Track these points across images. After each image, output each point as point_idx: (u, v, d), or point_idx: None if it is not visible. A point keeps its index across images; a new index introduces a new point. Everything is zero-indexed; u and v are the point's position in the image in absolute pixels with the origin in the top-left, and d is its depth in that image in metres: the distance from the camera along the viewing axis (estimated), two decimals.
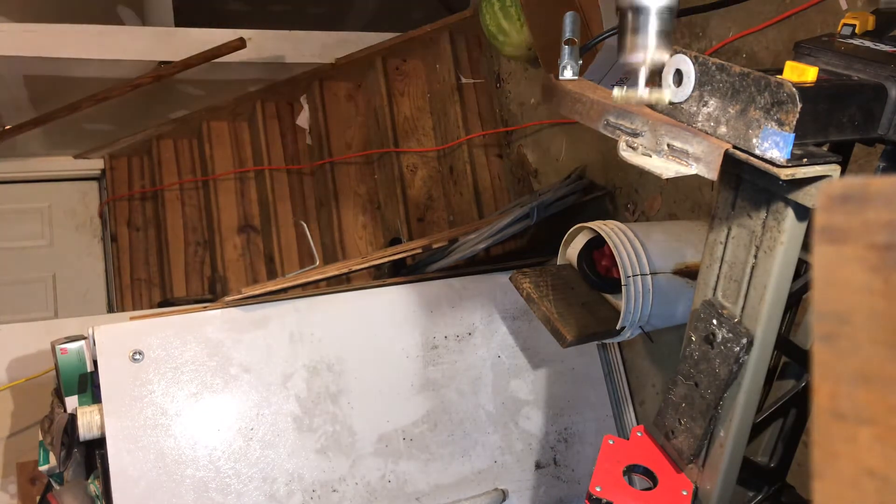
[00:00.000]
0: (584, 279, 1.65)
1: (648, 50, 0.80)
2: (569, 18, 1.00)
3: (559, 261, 1.70)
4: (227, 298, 1.78)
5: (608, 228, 1.55)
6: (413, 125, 2.80)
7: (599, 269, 1.64)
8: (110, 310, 3.91)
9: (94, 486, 1.66)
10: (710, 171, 0.85)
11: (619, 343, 2.04)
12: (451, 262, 2.05)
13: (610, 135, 0.92)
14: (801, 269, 1.14)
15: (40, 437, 1.71)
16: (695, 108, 0.87)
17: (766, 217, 0.92)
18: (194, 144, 3.69)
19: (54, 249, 4.00)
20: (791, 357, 1.21)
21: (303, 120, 3.19)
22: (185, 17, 3.25)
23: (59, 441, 1.59)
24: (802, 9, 1.50)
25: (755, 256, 0.94)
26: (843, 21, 0.97)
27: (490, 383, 1.91)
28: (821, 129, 0.84)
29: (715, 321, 1.00)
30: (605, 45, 0.86)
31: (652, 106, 0.89)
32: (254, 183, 3.40)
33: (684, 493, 1.09)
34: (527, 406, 1.93)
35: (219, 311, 1.74)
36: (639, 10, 0.78)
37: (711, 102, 0.86)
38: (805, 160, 0.81)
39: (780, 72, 0.82)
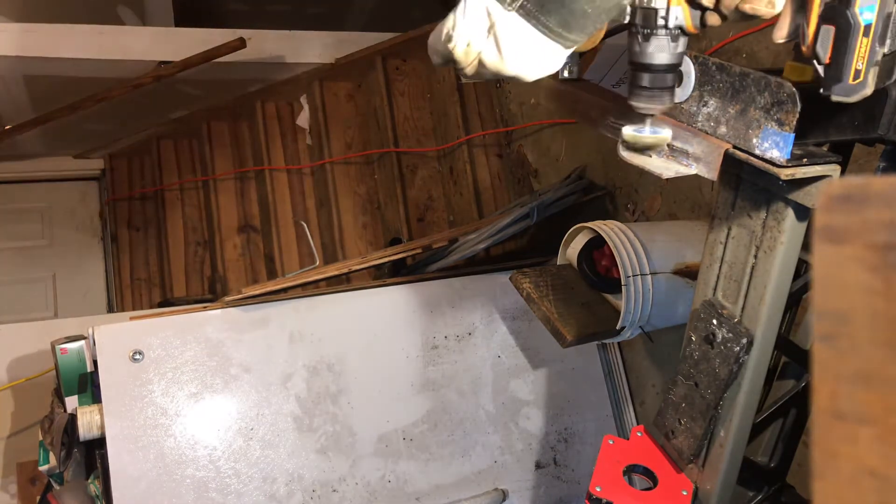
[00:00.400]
0: (584, 279, 1.65)
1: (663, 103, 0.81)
2: None
3: (559, 261, 1.70)
4: (227, 298, 1.78)
5: (608, 228, 1.55)
6: (413, 125, 2.80)
7: (599, 269, 1.64)
8: (110, 310, 3.92)
9: (94, 486, 1.66)
10: (710, 171, 0.85)
11: (619, 343, 2.04)
12: (451, 262, 2.05)
13: (610, 135, 0.92)
14: (801, 269, 1.14)
15: (40, 437, 1.71)
16: (695, 108, 0.88)
17: (766, 217, 0.92)
18: (194, 144, 3.69)
19: (54, 249, 4.00)
20: (791, 357, 1.21)
21: (303, 120, 3.19)
22: (185, 17, 3.25)
23: (59, 441, 1.59)
24: None
25: (755, 256, 0.94)
26: None
27: (490, 383, 1.91)
28: (821, 129, 0.84)
29: (715, 321, 1.00)
30: (606, 45, 0.85)
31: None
32: (254, 183, 3.40)
33: (684, 493, 1.09)
34: (527, 406, 1.93)
35: (219, 311, 1.74)
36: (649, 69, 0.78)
37: (711, 102, 0.86)
38: (805, 160, 0.81)
39: (780, 72, 0.82)
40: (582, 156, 2.20)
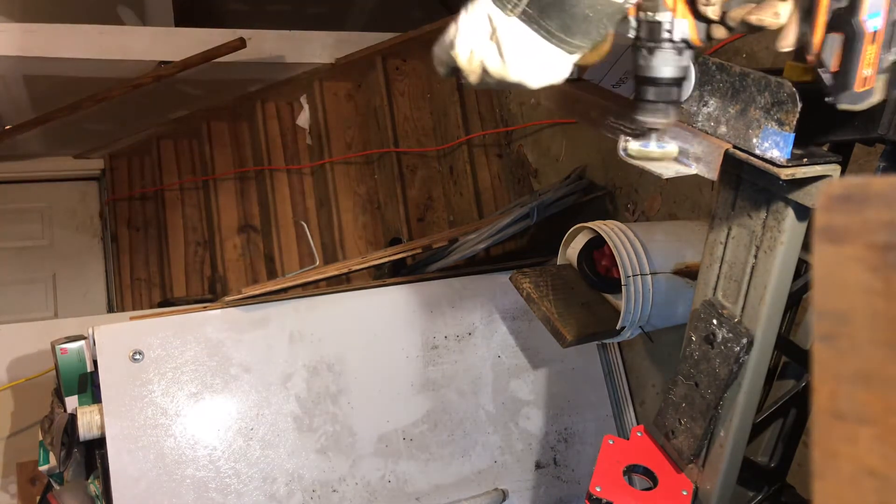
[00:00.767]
0: (584, 279, 1.65)
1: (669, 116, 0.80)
2: None
3: (559, 261, 1.70)
4: (227, 298, 1.78)
5: (608, 228, 1.55)
6: (413, 125, 2.80)
7: (599, 269, 1.64)
8: (110, 310, 3.92)
9: (94, 486, 1.66)
10: (710, 171, 0.85)
11: (619, 343, 2.04)
12: (451, 262, 2.05)
13: (611, 135, 0.92)
14: (801, 269, 1.14)
15: (40, 437, 1.71)
16: (695, 108, 0.88)
17: (766, 217, 0.92)
18: (194, 144, 3.69)
19: (54, 249, 4.00)
20: (791, 357, 1.21)
21: (303, 120, 3.19)
22: (185, 17, 3.25)
23: (59, 441, 1.59)
24: None
25: (755, 256, 0.94)
26: None
27: (490, 383, 1.91)
28: (821, 128, 0.84)
29: (715, 321, 1.00)
30: None
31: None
32: (254, 183, 3.40)
33: (684, 493, 1.09)
34: (527, 406, 1.93)
35: (219, 311, 1.74)
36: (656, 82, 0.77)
37: (711, 102, 0.86)
38: (805, 160, 0.81)
39: (780, 72, 0.82)
40: (582, 156, 2.20)
